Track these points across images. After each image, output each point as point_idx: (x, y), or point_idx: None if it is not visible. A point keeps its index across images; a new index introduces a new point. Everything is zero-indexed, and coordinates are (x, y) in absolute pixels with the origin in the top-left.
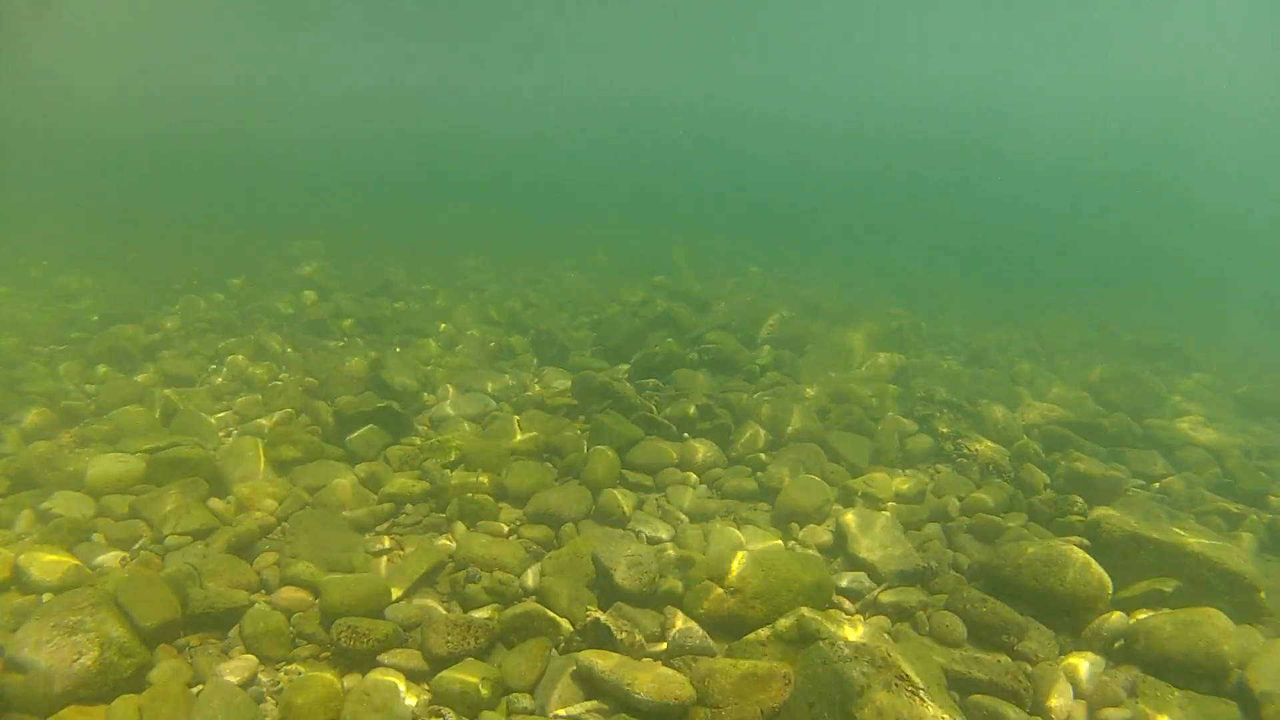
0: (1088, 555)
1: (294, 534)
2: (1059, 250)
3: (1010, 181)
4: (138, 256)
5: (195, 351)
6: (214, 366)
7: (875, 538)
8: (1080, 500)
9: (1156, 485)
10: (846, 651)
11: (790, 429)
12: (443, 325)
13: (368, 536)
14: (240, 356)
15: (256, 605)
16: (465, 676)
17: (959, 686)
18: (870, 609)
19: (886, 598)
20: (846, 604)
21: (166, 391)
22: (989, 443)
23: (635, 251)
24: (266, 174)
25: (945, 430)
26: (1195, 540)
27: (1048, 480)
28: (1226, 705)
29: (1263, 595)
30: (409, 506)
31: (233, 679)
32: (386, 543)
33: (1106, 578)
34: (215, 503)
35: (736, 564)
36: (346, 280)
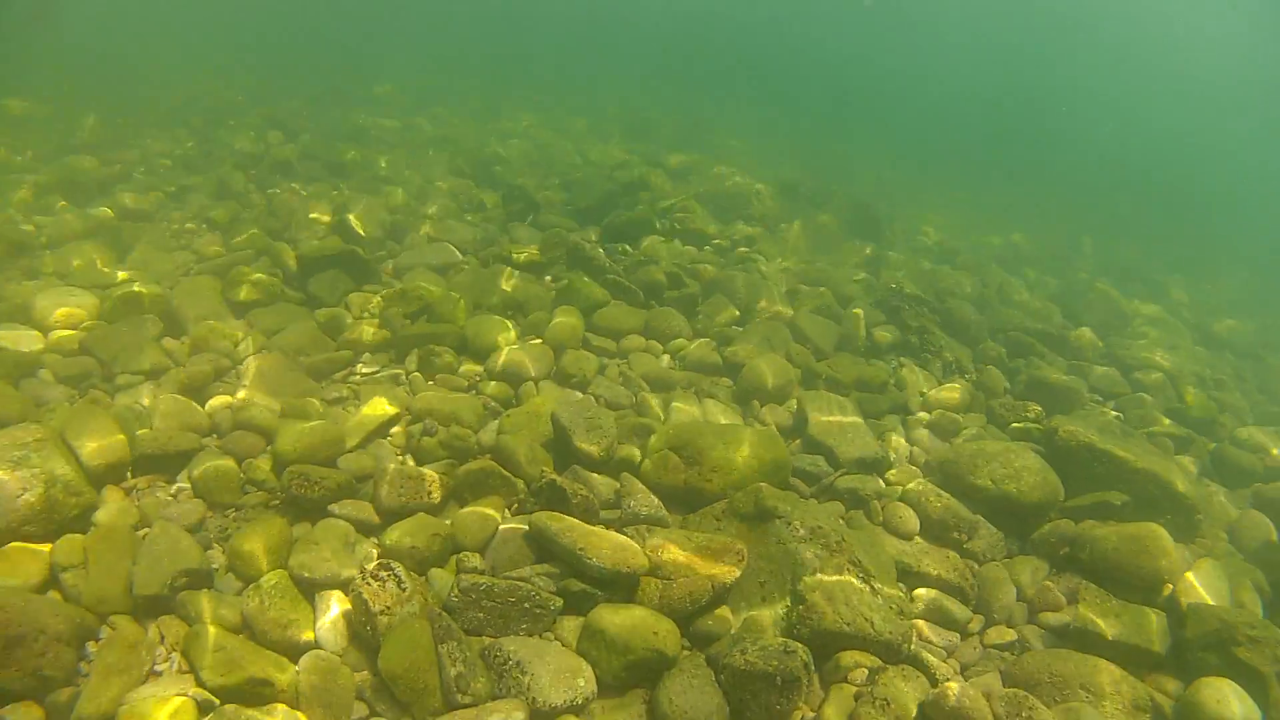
0: (1044, 462)
1: (248, 378)
2: (1046, 155)
3: (1003, 77)
4: (100, 86)
5: (155, 187)
6: (174, 204)
7: (835, 421)
8: (1038, 407)
9: (1112, 403)
10: (802, 532)
11: (758, 305)
12: (410, 174)
13: (324, 384)
14: (201, 194)
15: (207, 448)
16: (415, 530)
17: (908, 579)
18: (826, 493)
19: (843, 483)
20: (802, 486)
21: (119, 225)
22: (955, 342)
23: (622, 116)
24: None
25: (913, 324)
26: (1146, 458)
27: (1008, 385)
28: (1157, 615)
29: (1199, 517)
30: (367, 355)
31: (180, 523)
32: (343, 391)
33: (1059, 485)
34: (169, 342)
35: (696, 435)
36: (316, 121)
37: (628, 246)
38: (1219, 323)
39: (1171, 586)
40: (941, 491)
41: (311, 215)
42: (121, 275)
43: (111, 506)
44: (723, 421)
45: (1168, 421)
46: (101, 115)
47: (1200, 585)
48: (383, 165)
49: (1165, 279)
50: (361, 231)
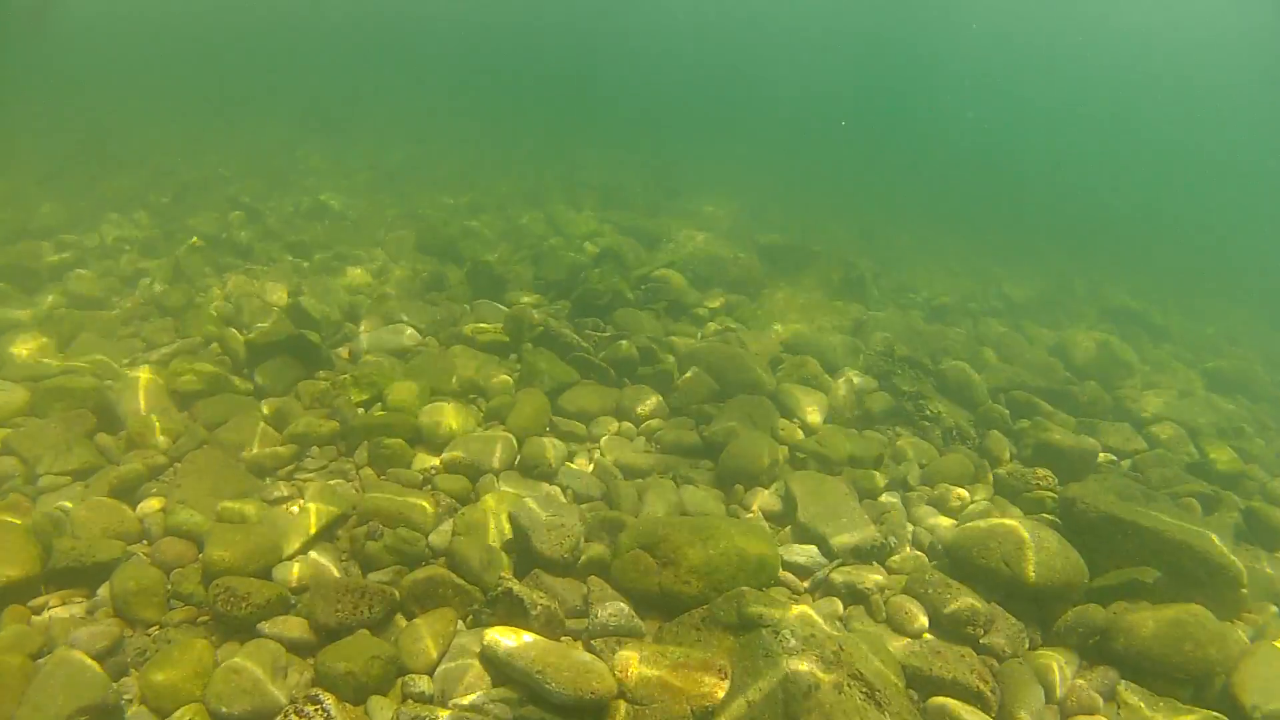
0: (1061, 538)
1: (185, 477)
2: (1020, 202)
3: (976, 126)
4: (62, 167)
5: (109, 272)
6: (128, 289)
7: (828, 506)
8: (1050, 474)
9: (1128, 462)
10: (793, 643)
11: (740, 378)
12: (374, 252)
13: (267, 481)
14: (155, 280)
15: (133, 558)
16: (353, 652)
17: (918, 684)
18: (820, 588)
19: (839, 576)
20: (794, 581)
21: (64, 313)
22: (954, 406)
23: (585, 178)
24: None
25: (906, 389)
26: (1176, 526)
27: (1014, 449)
28: (1213, 718)
29: (1244, 590)
30: (315, 449)
31: (90, 647)
32: (285, 490)
33: (1082, 564)
34: (103, 438)
35: (672, 531)
36: (278, 201)
37: (599, 320)
38: (1226, 362)
39: (1225, 679)
40: (951, 580)
41: (267, 298)
42: (56, 365)
43: (8, 632)
44: (705, 509)
45: (1191, 479)
46: (63, 194)
47: (1261, 678)
48: (344, 244)
49: (1163, 320)
50: (316, 315)
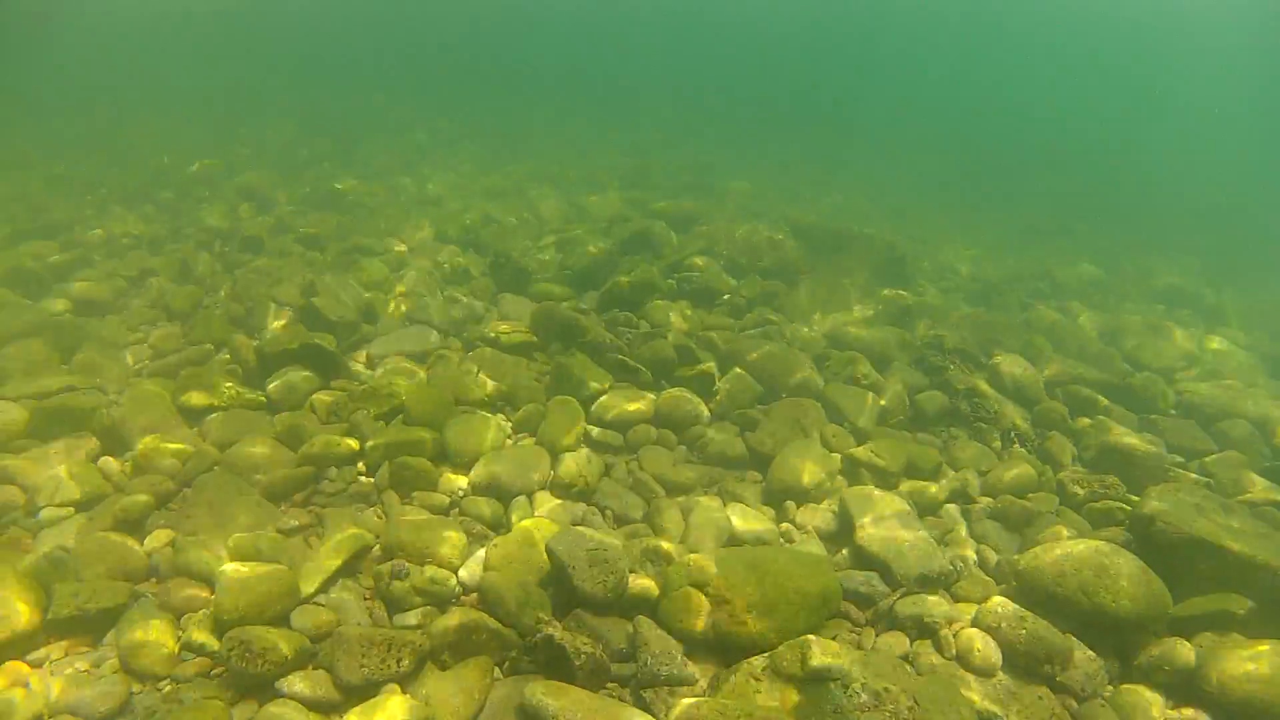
0: (1143, 564)
1: (195, 505)
2: (1058, 175)
3: (1009, 96)
4: (69, 166)
5: (115, 273)
6: (134, 291)
7: (888, 527)
8: (1118, 482)
9: (1196, 463)
10: (864, 698)
11: (785, 379)
12: (391, 243)
13: (283, 507)
14: (162, 279)
15: (141, 601)
16: (380, 714)
17: None
18: (884, 621)
19: (904, 608)
20: (855, 612)
21: (68, 321)
22: (1010, 403)
23: (611, 160)
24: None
25: (960, 387)
26: (1267, 548)
27: (1075, 451)
28: None
29: None
30: (333, 470)
31: (95, 711)
32: (302, 518)
33: (1166, 593)
34: (109, 462)
35: (724, 566)
36: (291, 191)
37: (630, 315)
38: (1274, 344)
39: None
40: (1024, 612)
41: (278, 298)
42: (56, 383)
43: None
44: (755, 530)
45: (1267, 485)
46: (69, 190)
47: None
48: (360, 234)
49: (1216, 299)
50: (332, 316)
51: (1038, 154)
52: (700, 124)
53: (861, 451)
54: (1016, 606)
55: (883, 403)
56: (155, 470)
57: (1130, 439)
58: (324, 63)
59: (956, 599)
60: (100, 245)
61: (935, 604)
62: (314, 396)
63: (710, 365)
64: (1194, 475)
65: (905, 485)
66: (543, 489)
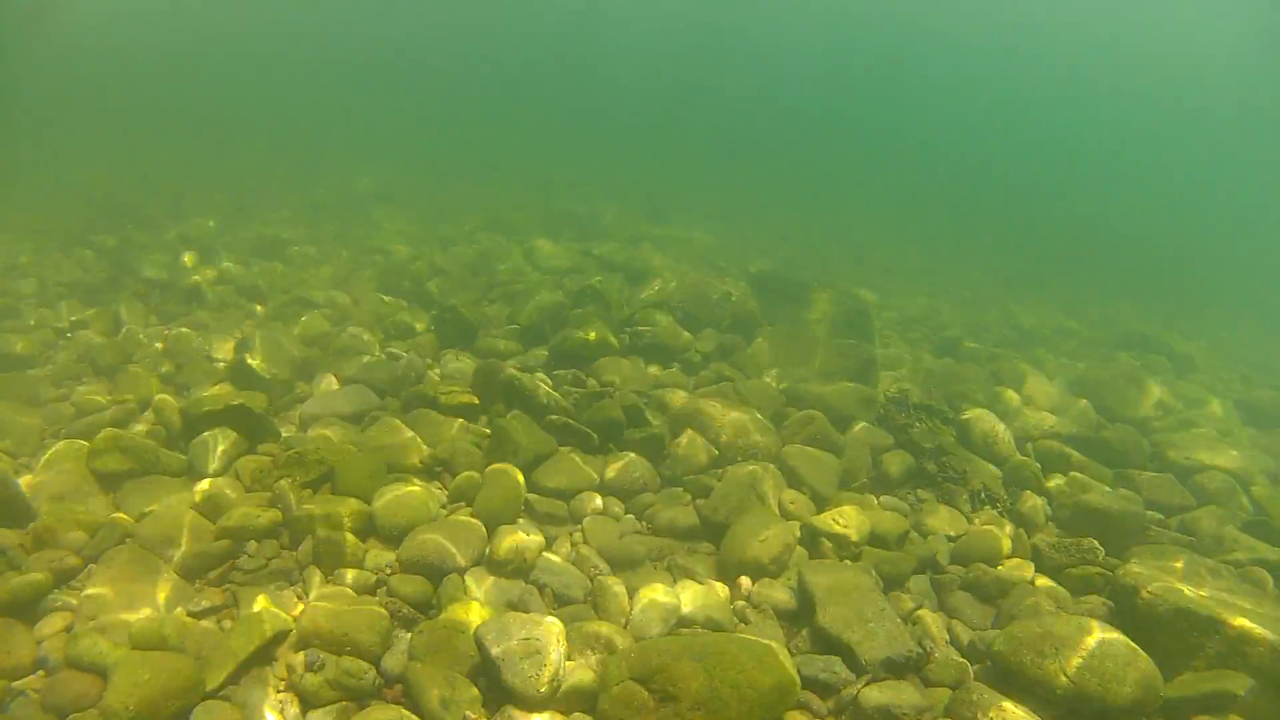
0: (1130, 642)
1: (100, 583)
2: (1027, 221)
3: (976, 144)
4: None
5: (44, 323)
6: (63, 344)
7: (851, 606)
8: (1096, 545)
9: (1176, 520)
10: None
11: (739, 442)
12: (333, 295)
13: (197, 584)
14: (92, 332)
15: (19, 700)
16: None
17: None
18: (848, 712)
19: (871, 696)
20: (815, 702)
21: None
22: (980, 461)
23: (566, 206)
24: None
25: (927, 445)
26: (1264, 620)
27: (1049, 511)
28: None
29: None
30: (253, 544)
31: None
32: (216, 598)
33: (1157, 674)
34: (5, 535)
35: (670, 658)
36: (235, 235)
37: (579, 373)
38: (1262, 392)
39: None
40: (1004, 701)
41: (213, 353)
42: None
43: None
44: (707, 610)
45: (1250, 541)
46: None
47: None
48: (302, 285)
49: (1186, 347)
50: (265, 375)
51: (1005, 201)
52: (657, 165)
53: (822, 520)
54: (992, 691)
55: (844, 464)
56: (58, 545)
57: (1106, 499)
58: (293, 97)
59: (928, 684)
60: (33, 294)
61: (904, 691)
62: (239, 462)
63: (661, 427)
64: (1175, 534)
65: (870, 555)
66: (478, 565)
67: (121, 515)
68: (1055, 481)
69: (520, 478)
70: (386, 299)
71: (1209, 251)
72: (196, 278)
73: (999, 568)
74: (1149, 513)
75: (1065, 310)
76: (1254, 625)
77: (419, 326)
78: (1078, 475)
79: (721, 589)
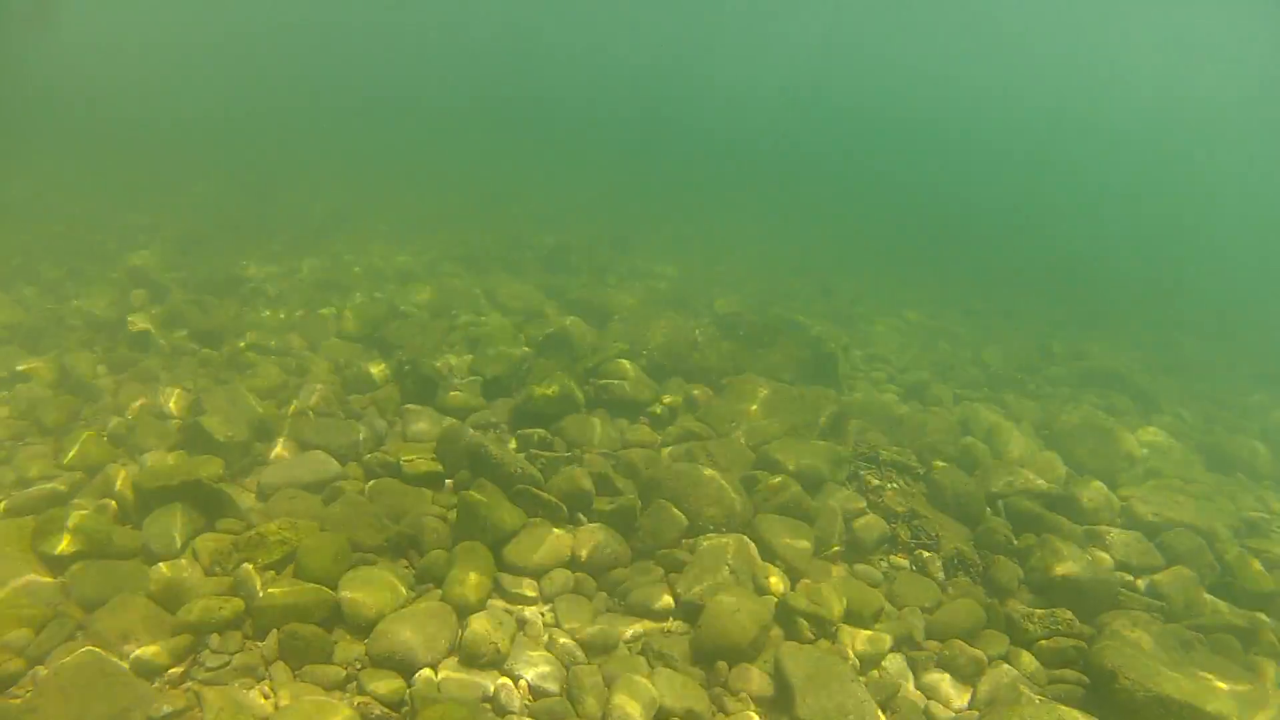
0: None
1: (47, 690)
2: (994, 252)
3: (944, 172)
4: None
5: None
6: (7, 394)
7: (829, 695)
8: (1071, 616)
9: (1144, 582)
10: None
11: (710, 511)
12: (291, 339)
13: (156, 684)
14: (36, 384)
15: None
16: None
17: None
18: None
19: None
20: None
21: None
22: (951, 522)
23: (529, 234)
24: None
25: (899, 509)
26: (1244, 706)
27: (1022, 575)
28: None
29: None
30: (216, 638)
31: None
32: (178, 701)
33: None
34: None
35: None
36: (190, 270)
37: (545, 433)
38: (1222, 435)
39: None
40: None
41: (166, 408)
42: None
43: None
44: (686, 700)
45: (1218, 605)
46: None
47: None
48: (259, 328)
49: (1148, 383)
50: (220, 437)
51: (973, 230)
52: (622, 193)
53: (798, 599)
54: None
55: (816, 533)
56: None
57: (1079, 567)
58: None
59: None
60: None
61: None
62: (196, 541)
63: (631, 498)
64: (1146, 599)
65: (846, 634)
66: (449, 655)
67: (72, 606)
68: (1027, 541)
69: (490, 557)
70: (344, 344)
71: (1190, 287)
72: (146, 318)
73: (976, 646)
74: (1119, 574)
75: (1030, 344)
76: (1229, 712)
77: (379, 376)
78: (1049, 537)
79: (698, 675)
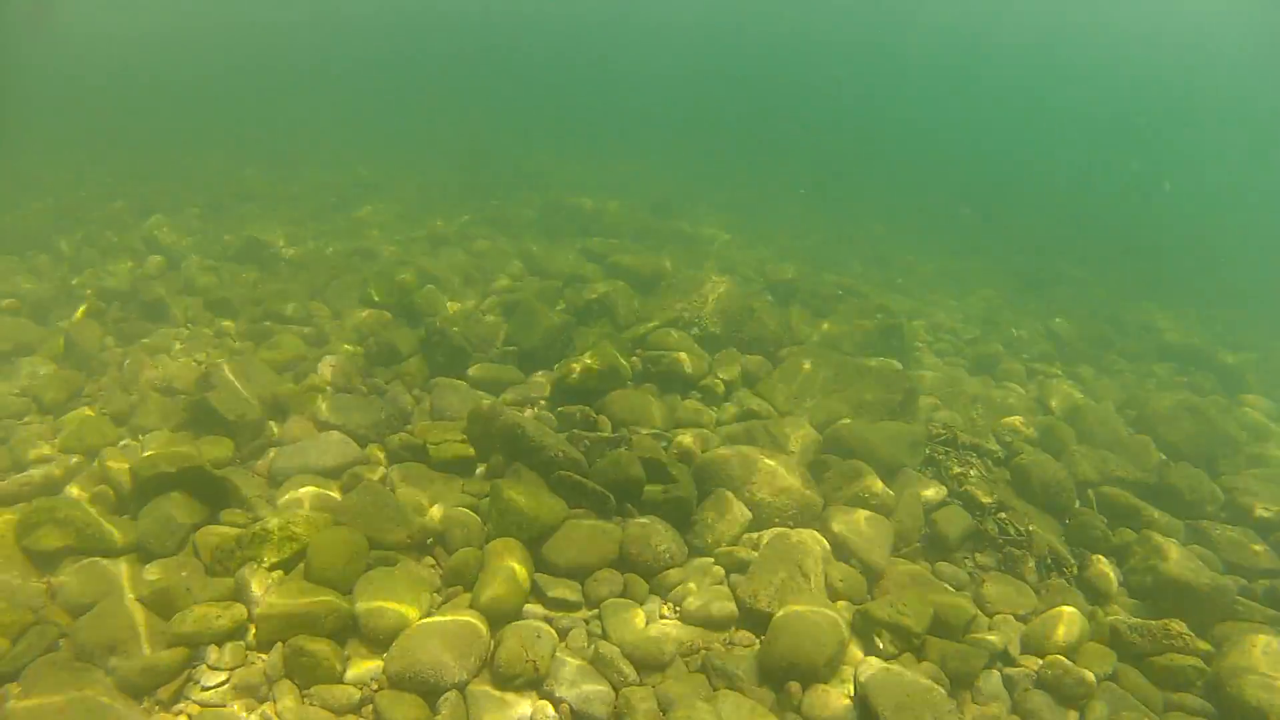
0: None
1: (24, 705)
2: (1052, 218)
3: (996, 137)
4: None
5: None
6: (9, 368)
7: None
8: (1185, 629)
9: (1263, 588)
10: None
11: (776, 501)
12: (314, 307)
13: (148, 704)
14: (39, 358)
15: None
16: None
17: None
18: None
19: None
20: None
21: None
22: (1040, 515)
23: (568, 197)
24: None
25: (985, 499)
26: None
27: (1121, 579)
28: None
29: None
30: (214, 650)
31: None
32: None
33: None
34: None
35: None
36: (206, 237)
37: (588, 409)
38: None
39: None
40: None
41: (173, 386)
42: None
43: None
44: None
45: None
46: None
47: None
48: (277, 297)
49: (1234, 359)
50: (230, 415)
51: (1030, 194)
52: (665, 159)
53: (879, 608)
54: None
55: (895, 528)
56: None
57: (1187, 568)
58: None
59: None
60: None
61: None
62: (197, 535)
63: (687, 486)
64: (1264, 609)
65: (934, 649)
66: (479, 674)
67: (57, 610)
68: (1125, 537)
69: (526, 556)
70: (369, 313)
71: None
72: (161, 290)
73: (1083, 666)
74: (1232, 576)
75: (1104, 318)
76: None
77: (404, 349)
78: (1150, 533)
79: (767, 697)
